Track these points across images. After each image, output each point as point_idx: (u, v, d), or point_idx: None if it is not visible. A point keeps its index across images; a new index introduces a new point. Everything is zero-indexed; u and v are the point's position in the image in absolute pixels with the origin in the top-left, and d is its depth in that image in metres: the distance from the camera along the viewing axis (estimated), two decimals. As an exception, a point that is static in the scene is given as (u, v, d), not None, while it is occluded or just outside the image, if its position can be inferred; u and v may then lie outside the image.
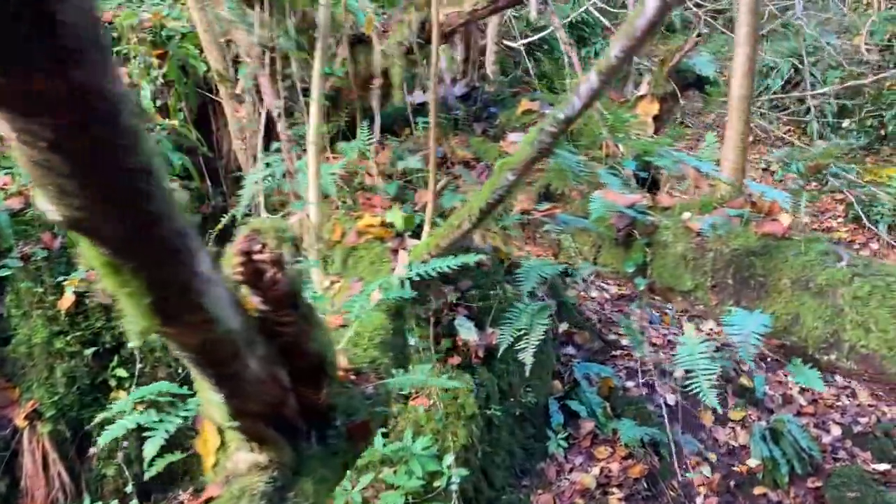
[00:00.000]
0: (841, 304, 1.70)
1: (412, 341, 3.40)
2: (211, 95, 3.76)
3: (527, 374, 2.71)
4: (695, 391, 1.90)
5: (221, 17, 2.61)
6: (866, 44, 8.63)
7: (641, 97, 2.85)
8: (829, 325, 1.71)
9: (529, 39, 5.11)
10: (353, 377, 1.79)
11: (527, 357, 2.26)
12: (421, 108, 3.56)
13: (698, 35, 2.77)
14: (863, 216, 6.68)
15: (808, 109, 9.58)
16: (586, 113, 2.97)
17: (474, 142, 3.09)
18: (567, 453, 4.37)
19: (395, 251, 2.38)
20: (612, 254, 2.31)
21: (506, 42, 5.03)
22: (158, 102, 3.72)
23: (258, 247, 1.03)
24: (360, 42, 3.14)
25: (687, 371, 1.79)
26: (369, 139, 2.83)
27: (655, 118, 2.86)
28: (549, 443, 4.25)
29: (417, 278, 1.89)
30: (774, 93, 8.89)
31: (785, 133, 9.63)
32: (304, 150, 3.01)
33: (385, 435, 3.65)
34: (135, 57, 3.74)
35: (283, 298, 1.12)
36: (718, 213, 1.92)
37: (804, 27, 6.07)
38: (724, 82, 11.46)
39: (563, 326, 5.00)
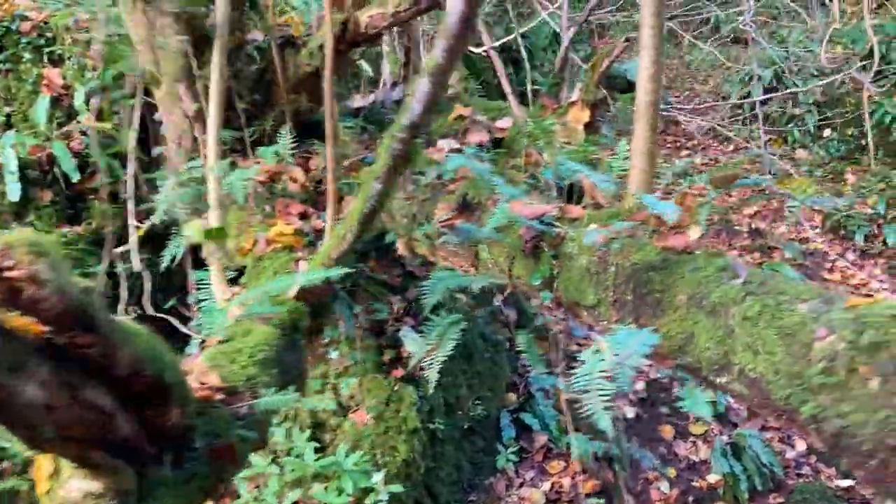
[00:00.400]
0: (732, 325, 1.60)
1: (334, 355, 3.30)
2: (147, 98, 3.67)
3: (430, 391, 2.61)
4: (588, 413, 1.80)
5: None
6: (828, 52, 8.55)
7: (572, 104, 2.76)
8: (720, 345, 1.61)
9: (491, 45, 5.02)
10: (220, 397, 1.69)
11: (431, 374, 2.16)
12: (359, 113, 3.47)
13: (626, 40, 2.68)
14: (805, 225, 6.58)
15: (791, 118, 9.52)
16: (519, 124, 2.89)
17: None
18: (518, 468, 4.26)
19: (298, 262, 2.28)
20: (523, 265, 2.21)
21: (470, 48, 4.93)
22: (93, 105, 3.63)
23: (10, 263, 0.94)
24: (289, 44, 3.05)
25: (583, 392, 1.69)
26: (291, 144, 2.74)
27: (587, 125, 2.77)
28: (499, 457, 4.14)
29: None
30: (741, 97, 8.82)
31: (766, 142, 9.55)
32: (231, 154, 2.92)
33: (321, 449, 3.54)
34: (69, 58, 3.65)
35: (62, 318, 1.03)
36: (618, 225, 1.83)
37: (751, 34, 5.98)
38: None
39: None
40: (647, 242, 1.88)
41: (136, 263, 2.71)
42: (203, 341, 1.96)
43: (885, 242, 7.27)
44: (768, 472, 4.67)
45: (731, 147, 9.67)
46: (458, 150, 2.81)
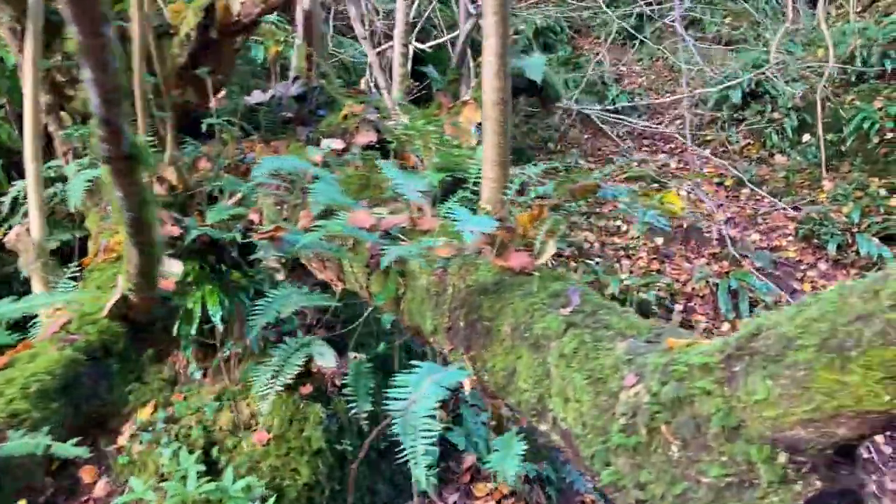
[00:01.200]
0: (550, 363, 1.34)
1: (198, 375, 3.05)
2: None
3: (261, 423, 2.37)
4: (406, 458, 1.55)
5: None
6: (811, 56, 8.30)
7: (465, 103, 2.52)
8: (537, 387, 1.36)
9: (440, 41, 4.78)
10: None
11: (264, 406, 1.91)
12: (258, 109, 3.22)
13: (515, 32, 2.42)
14: (726, 236, 6.34)
15: (770, 121, 9.26)
16: (387, 126, 2.65)
17: (293, 148, 2.75)
18: (442, 490, 4.01)
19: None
20: (378, 282, 1.96)
21: (416, 44, 4.69)
22: (-23, 97, 3.39)
23: None
24: (167, 34, 2.80)
25: (402, 433, 1.44)
26: (151, 143, 2.49)
27: (480, 126, 2.52)
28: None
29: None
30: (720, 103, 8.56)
31: (744, 147, 9.29)
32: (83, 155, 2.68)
33: (215, 472, 3.29)
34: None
35: None
36: (426, 242, 1.58)
37: (678, 30, 5.70)
38: (629, 92, 11.06)
39: (460, 349, 4.65)
40: (485, 262, 1.63)
41: None
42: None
43: (857, 252, 7.01)
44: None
45: (708, 150, 9.42)
46: (345, 151, 2.56)
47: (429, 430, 1.56)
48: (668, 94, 11.21)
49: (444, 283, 1.67)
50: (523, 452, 1.40)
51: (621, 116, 8.55)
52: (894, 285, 0.82)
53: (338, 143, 2.57)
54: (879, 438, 5.23)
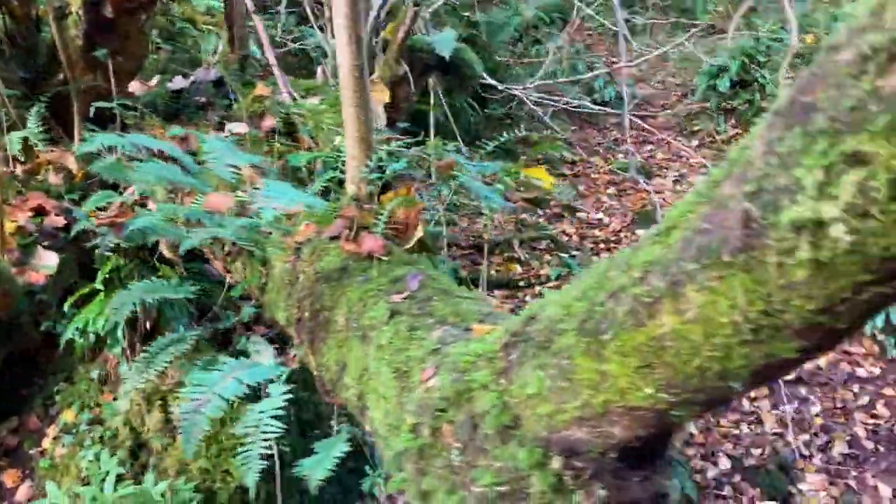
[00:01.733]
0: (370, 355, 1.20)
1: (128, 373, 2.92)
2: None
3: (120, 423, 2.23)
4: (244, 462, 1.41)
5: None
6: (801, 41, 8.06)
7: (373, 82, 2.37)
8: (359, 383, 1.22)
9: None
10: None
11: (121, 405, 1.77)
12: (178, 95, 3.08)
13: (416, 4, 2.28)
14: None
15: (758, 110, 9.05)
16: (273, 105, 2.51)
17: (199, 136, 2.61)
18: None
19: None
20: (250, 271, 1.82)
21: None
22: None
23: None
24: (66, 16, 2.67)
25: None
26: (41, 129, 2.36)
27: (390, 107, 2.37)
28: (366, 480, 3.74)
29: None
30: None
31: (732, 136, 9.09)
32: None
33: (139, 475, 3.16)
34: None
35: None
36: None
37: (615, 8, 5.48)
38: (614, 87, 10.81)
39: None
40: (335, 246, 1.48)
41: None
42: None
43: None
44: (680, 495, 4.25)
45: (696, 142, 9.24)
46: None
47: (269, 433, 1.43)
48: (659, 84, 11.00)
49: (296, 270, 1.53)
50: (342, 456, 1.26)
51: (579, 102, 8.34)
52: (647, 253, 0.67)
53: (241, 128, 2.43)
54: (861, 432, 5.05)
